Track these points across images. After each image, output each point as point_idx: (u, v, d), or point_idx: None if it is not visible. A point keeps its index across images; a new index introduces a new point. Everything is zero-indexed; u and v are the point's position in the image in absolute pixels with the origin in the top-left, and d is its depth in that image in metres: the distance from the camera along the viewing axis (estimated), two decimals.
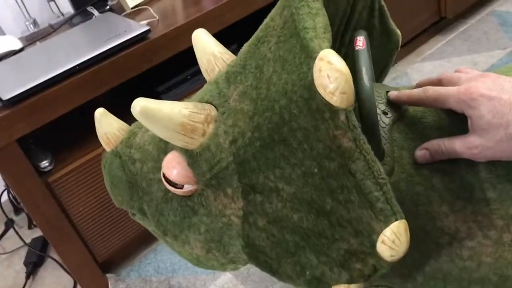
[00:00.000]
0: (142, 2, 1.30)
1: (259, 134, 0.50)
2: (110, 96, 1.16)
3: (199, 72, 0.86)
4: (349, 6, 0.61)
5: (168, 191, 0.62)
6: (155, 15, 1.21)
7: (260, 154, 0.50)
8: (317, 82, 0.42)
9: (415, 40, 1.85)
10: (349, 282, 0.49)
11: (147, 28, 1.09)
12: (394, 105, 0.59)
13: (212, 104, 0.57)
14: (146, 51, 1.10)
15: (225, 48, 0.61)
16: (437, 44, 1.87)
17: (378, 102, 0.59)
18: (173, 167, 0.58)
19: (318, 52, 0.42)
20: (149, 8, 1.24)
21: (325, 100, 0.42)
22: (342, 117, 0.42)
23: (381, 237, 0.44)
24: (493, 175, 0.53)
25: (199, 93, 0.61)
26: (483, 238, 0.53)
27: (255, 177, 0.52)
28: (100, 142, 0.71)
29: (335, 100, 0.41)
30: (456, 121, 0.55)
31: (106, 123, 0.68)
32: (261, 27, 0.56)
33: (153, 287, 1.22)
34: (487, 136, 0.49)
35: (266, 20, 0.55)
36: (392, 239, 0.44)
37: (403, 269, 0.58)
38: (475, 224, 0.54)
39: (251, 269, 1.18)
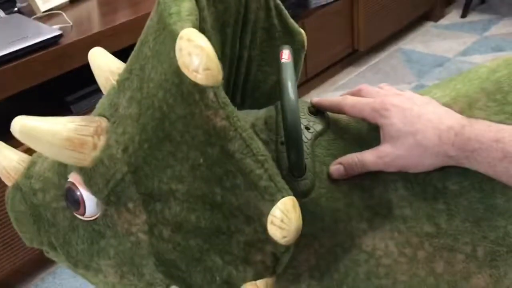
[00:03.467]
0: (55, 6, 1.22)
1: (146, 135, 0.47)
2: (14, 103, 1.06)
3: None
4: (241, 6, 0.60)
5: (74, 218, 0.57)
6: (68, 20, 1.14)
7: (150, 157, 0.47)
8: (180, 62, 0.40)
9: (329, 70, 1.91)
10: (256, 277, 0.47)
11: (59, 32, 1.03)
12: (316, 120, 0.59)
13: (105, 116, 0.53)
14: (56, 57, 1.02)
15: (123, 63, 0.58)
16: (350, 75, 1.95)
17: (301, 117, 0.58)
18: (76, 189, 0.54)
19: None
20: (62, 13, 1.17)
21: (191, 80, 0.40)
22: (211, 95, 0.41)
23: (270, 217, 0.42)
24: (410, 193, 0.54)
25: (95, 110, 0.58)
26: (399, 256, 0.54)
27: (150, 183, 0.49)
28: None
29: (200, 78, 0.40)
30: (377, 138, 0.56)
31: (4, 157, 0.62)
32: (143, 29, 0.53)
33: None
34: (397, 144, 0.51)
35: (147, 22, 0.53)
36: (281, 218, 0.42)
37: (313, 287, 0.57)
38: (392, 241, 0.54)
39: None
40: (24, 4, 1.28)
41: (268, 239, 0.43)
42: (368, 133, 0.57)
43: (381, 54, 2.05)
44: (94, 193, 0.52)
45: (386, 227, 0.54)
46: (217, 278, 0.49)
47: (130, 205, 0.51)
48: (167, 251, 0.52)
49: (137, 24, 1.15)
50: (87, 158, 0.51)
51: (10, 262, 1.13)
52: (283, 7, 0.63)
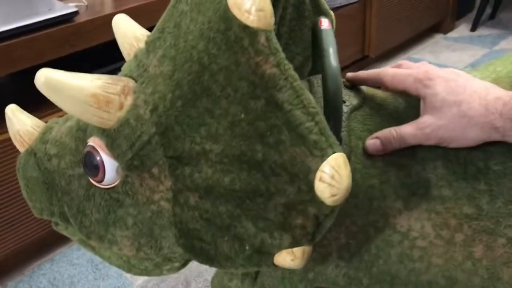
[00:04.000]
0: None
1: (180, 91, 0.44)
2: (23, 79, 1.04)
3: None
4: None
5: (90, 186, 0.54)
6: (84, 0, 1.12)
7: (183, 116, 0.44)
8: (231, 2, 0.38)
9: None
10: (293, 245, 0.44)
11: (74, 9, 1.00)
12: (352, 94, 0.57)
13: (132, 77, 0.50)
14: (71, 34, 1.00)
15: (148, 32, 0.56)
16: None
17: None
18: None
19: None
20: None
21: (242, 23, 0.38)
22: (262, 39, 0.38)
23: (319, 174, 0.39)
24: (450, 172, 0.51)
25: (121, 73, 0.55)
26: (435, 238, 0.51)
27: (180, 145, 0.46)
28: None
29: (252, 19, 0.38)
30: (414, 114, 0.53)
31: (18, 120, 0.59)
32: None
33: None
34: (439, 114, 0.48)
35: None
36: (331, 174, 0.39)
37: (349, 270, 0.54)
38: (429, 222, 0.51)
39: (162, 284, 1.09)
40: None
41: (313, 200, 0.40)
42: (406, 109, 0.55)
43: (391, 62, 2.04)
44: (116, 156, 0.49)
45: (423, 207, 0.51)
46: (247, 248, 0.46)
47: (155, 170, 0.48)
48: (191, 220, 0.49)
49: (149, 8, 1.14)
50: (112, 118, 0.48)
51: (10, 243, 1.09)
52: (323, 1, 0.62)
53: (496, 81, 0.54)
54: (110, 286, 1.09)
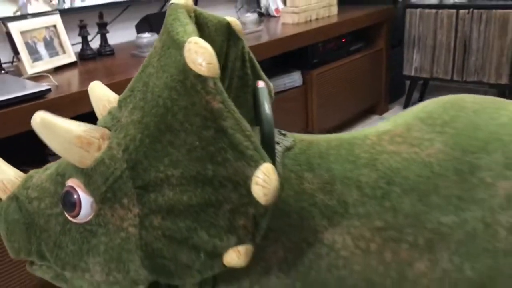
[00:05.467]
0: (41, 71, 1.34)
1: (148, 131, 0.57)
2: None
3: None
4: (223, 54, 0.73)
5: (66, 222, 0.64)
6: (54, 81, 1.25)
7: (150, 151, 0.57)
8: (188, 60, 0.52)
9: None
10: (238, 244, 0.55)
11: (47, 87, 1.13)
12: (285, 139, 0.71)
13: (107, 128, 0.63)
14: (44, 108, 1.12)
15: (118, 95, 0.70)
16: None
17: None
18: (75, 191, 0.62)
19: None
20: (49, 75, 1.29)
21: (196, 73, 0.52)
22: (211, 83, 0.52)
23: (254, 179, 0.52)
24: (363, 194, 0.65)
25: (97, 125, 0.67)
26: (355, 248, 0.63)
27: (147, 175, 0.58)
28: None
29: (203, 70, 0.52)
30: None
31: (1, 170, 0.69)
32: (145, 59, 0.65)
33: None
34: None
35: (149, 52, 0.65)
36: (263, 178, 0.52)
37: (288, 280, 0.65)
38: (349, 236, 0.64)
39: None
40: (12, 69, 1.39)
41: (251, 201, 0.53)
42: (327, 150, 0.69)
43: None
44: (92, 191, 0.61)
45: (344, 223, 0.64)
46: (202, 255, 0.57)
47: (125, 200, 0.60)
48: (155, 240, 0.59)
49: (112, 88, 1.28)
50: (90, 157, 0.60)
51: None
52: (255, 61, 0.78)
53: (396, 126, 0.70)
54: None
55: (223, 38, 0.72)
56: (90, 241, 0.64)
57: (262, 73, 0.78)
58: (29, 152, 1.23)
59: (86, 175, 0.61)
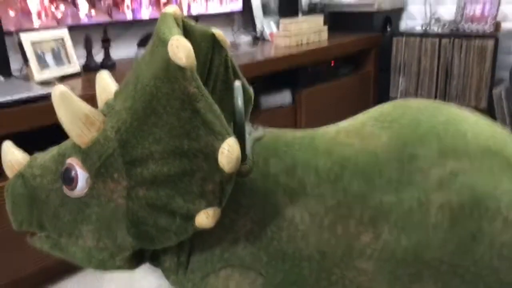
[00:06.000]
0: (47, 79, 1.46)
1: (136, 115, 0.69)
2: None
3: None
4: (208, 60, 0.85)
5: (64, 196, 0.76)
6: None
7: (138, 131, 0.69)
8: (171, 53, 0.65)
9: None
10: (207, 207, 0.66)
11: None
12: (256, 131, 0.82)
13: (103, 115, 0.75)
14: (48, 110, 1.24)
15: None
16: None
17: (246, 126, 0.82)
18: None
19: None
20: (55, 82, 1.41)
21: (176, 64, 0.64)
22: (188, 72, 0.65)
23: (220, 150, 0.64)
24: (319, 178, 0.76)
25: None
26: (311, 223, 0.74)
27: (135, 152, 0.69)
28: None
29: (184, 62, 0.64)
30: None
31: (11, 152, 0.82)
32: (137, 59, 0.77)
33: None
34: None
35: (142, 54, 0.77)
36: (227, 149, 0.64)
37: (253, 250, 0.75)
38: (306, 212, 0.75)
39: None
40: (19, 75, 1.51)
41: (218, 169, 0.64)
42: (292, 140, 0.81)
43: None
44: (88, 167, 0.72)
45: (302, 201, 0.75)
46: (177, 219, 0.68)
47: (115, 175, 0.71)
48: (140, 208, 0.71)
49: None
50: (89, 135, 0.72)
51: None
52: (237, 68, 0.90)
53: (352, 124, 0.82)
54: None
55: (208, 46, 0.85)
56: (84, 211, 0.75)
57: (243, 79, 0.90)
58: (32, 148, 1.35)
59: (84, 153, 0.73)
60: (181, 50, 0.64)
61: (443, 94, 2.35)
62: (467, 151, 0.72)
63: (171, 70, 0.65)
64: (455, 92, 2.31)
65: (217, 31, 0.85)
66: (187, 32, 0.80)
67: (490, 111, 2.25)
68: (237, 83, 0.80)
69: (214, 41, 0.85)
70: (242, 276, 0.75)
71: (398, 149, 0.75)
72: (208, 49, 0.85)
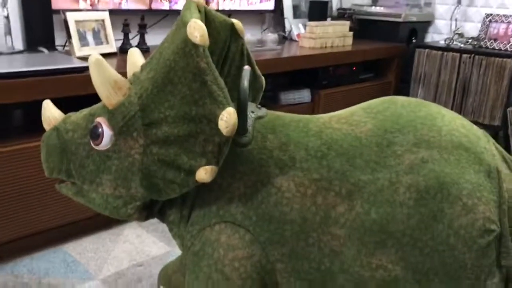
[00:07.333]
0: (87, 54, 1.61)
1: (156, 84, 0.82)
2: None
3: None
4: (226, 46, 0.97)
5: (91, 149, 0.89)
6: None
7: (156, 98, 0.82)
8: (188, 33, 0.77)
9: None
10: (206, 164, 0.79)
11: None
12: (259, 110, 0.95)
13: (130, 83, 0.88)
14: (83, 82, 1.39)
15: None
16: None
17: (249, 105, 0.94)
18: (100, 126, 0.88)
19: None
20: None
21: (192, 42, 0.77)
22: (201, 49, 0.77)
23: (220, 116, 0.77)
24: (304, 154, 0.87)
25: None
26: (296, 192, 0.86)
27: (152, 115, 0.82)
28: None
29: (198, 40, 0.77)
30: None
31: (49, 109, 0.96)
32: (164, 39, 0.90)
33: (24, 282, 1.33)
34: None
35: (167, 34, 0.90)
36: (226, 116, 0.77)
37: (244, 210, 0.87)
38: (292, 182, 0.86)
39: (119, 280, 1.36)
40: (62, 51, 1.67)
41: (218, 132, 0.77)
42: (289, 122, 0.92)
43: None
44: (113, 125, 0.86)
45: (291, 173, 0.87)
46: (182, 173, 0.81)
47: (135, 134, 0.84)
48: (152, 163, 0.84)
49: None
50: (116, 98, 0.85)
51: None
52: (252, 56, 1.02)
53: (343, 113, 0.93)
54: (76, 276, 1.36)
55: (227, 34, 0.97)
56: (106, 163, 0.88)
57: (256, 68, 1.02)
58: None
59: (110, 113, 0.86)
60: (197, 30, 0.76)
61: (459, 108, 2.42)
62: (439, 143, 0.83)
63: (187, 47, 0.78)
64: (471, 109, 2.38)
65: (236, 21, 0.98)
66: (208, 20, 0.93)
67: (503, 129, 2.31)
68: (246, 67, 0.92)
69: (232, 30, 0.98)
70: (232, 231, 0.87)
71: (379, 135, 0.85)
72: (227, 37, 0.98)
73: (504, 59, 2.25)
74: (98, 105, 0.92)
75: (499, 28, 2.41)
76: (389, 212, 0.81)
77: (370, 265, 0.82)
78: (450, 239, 0.79)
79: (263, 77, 1.05)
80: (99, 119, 0.88)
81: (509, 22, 2.39)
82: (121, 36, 1.87)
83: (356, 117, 0.90)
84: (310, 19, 2.51)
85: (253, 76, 1.01)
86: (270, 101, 2.15)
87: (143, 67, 0.90)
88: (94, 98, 0.99)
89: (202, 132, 0.79)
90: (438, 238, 0.79)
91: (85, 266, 1.42)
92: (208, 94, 0.78)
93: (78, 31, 1.62)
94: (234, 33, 0.99)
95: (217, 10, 1.90)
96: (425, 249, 0.80)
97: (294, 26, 2.53)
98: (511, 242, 0.83)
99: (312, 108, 2.27)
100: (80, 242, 1.56)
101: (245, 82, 0.88)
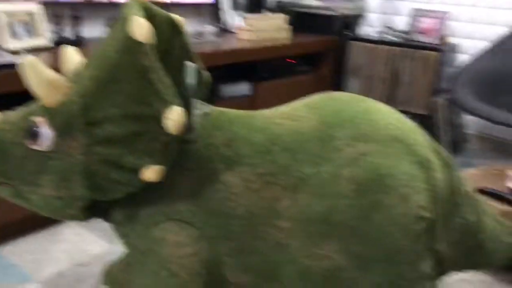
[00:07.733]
0: (19, 47, 1.55)
1: (98, 83, 0.81)
2: None
3: None
4: (168, 42, 0.97)
5: (30, 150, 0.87)
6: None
7: (99, 96, 0.81)
8: (132, 30, 0.77)
9: None
10: (154, 163, 0.79)
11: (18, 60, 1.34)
12: (205, 107, 0.95)
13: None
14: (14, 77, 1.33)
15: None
16: None
17: (196, 102, 0.94)
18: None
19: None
20: (25, 52, 1.49)
21: (137, 40, 0.77)
22: (145, 47, 0.77)
23: (167, 115, 0.77)
24: (252, 150, 0.89)
25: None
26: (242, 187, 0.88)
27: (95, 114, 0.81)
28: None
29: (142, 38, 0.77)
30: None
31: None
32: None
33: None
34: None
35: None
36: (172, 115, 0.77)
37: (192, 207, 0.88)
38: (239, 178, 0.88)
39: (60, 281, 1.32)
40: None
41: (164, 132, 0.77)
42: (234, 118, 0.94)
43: None
44: (53, 126, 0.84)
45: (237, 169, 0.88)
46: (127, 173, 0.81)
47: (77, 133, 0.83)
48: (94, 163, 0.83)
49: None
50: (54, 98, 0.83)
51: None
52: (193, 51, 1.02)
53: (286, 109, 0.95)
54: (16, 280, 1.31)
55: (170, 29, 0.97)
56: (46, 163, 0.86)
57: (200, 63, 1.03)
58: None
59: (50, 113, 0.84)
60: (141, 28, 0.76)
61: (392, 99, 2.53)
62: (377, 137, 0.88)
63: (131, 45, 0.77)
64: (402, 98, 2.50)
65: (176, 16, 0.97)
66: (151, 16, 0.92)
67: (432, 118, 2.45)
68: (189, 63, 0.93)
69: (173, 25, 0.97)
70: (180, 228, 0.88)
71: (321, 130, 0.89)
72: (169, 32, 0.97)
73: (429, 52, 2.38)
74: (37, 104, 0.89)
75: (426, 23, 2.54)
76: (332, 204, 0.85)
77: (315, 256, 0.85)
78: (388, 227, 0.84)
79: (208, 73, 1.05)
80: (38, 119, 0.86)
81: (434, 17, 2.52)
82: (56, 29, 1.80)
83: (298, 113, 0.93)
84: (249, 12, 2.53)
85: (198, 72, 1.02)
86: (210, 94, 2.15)
87: (85, 65, 0.88)
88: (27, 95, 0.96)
89: (148, 131, 0.79)
90: (377, 226, 0.84)
91: (22, 268, 1.37)
92: (154, 93, 0.78)
93: (9, 23, 1.54)
94: (176, 29, 0.98)
95: (157, 3, 1.88)
96: (366, 237, 0.84)
97: (233, 19, 2.54)
98: (442, 227, 0.89)
99: (252, 101, 2.29)
100: (16, 243, 1.50)
101: (191, 79, 0.88)
